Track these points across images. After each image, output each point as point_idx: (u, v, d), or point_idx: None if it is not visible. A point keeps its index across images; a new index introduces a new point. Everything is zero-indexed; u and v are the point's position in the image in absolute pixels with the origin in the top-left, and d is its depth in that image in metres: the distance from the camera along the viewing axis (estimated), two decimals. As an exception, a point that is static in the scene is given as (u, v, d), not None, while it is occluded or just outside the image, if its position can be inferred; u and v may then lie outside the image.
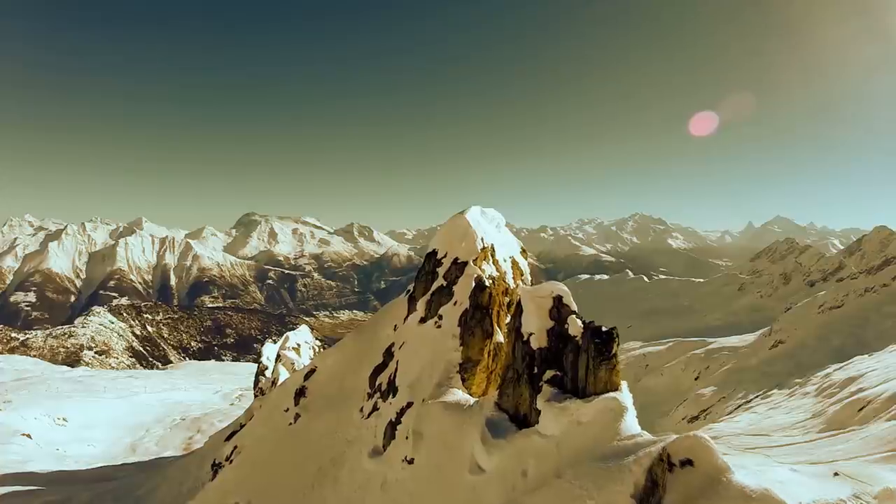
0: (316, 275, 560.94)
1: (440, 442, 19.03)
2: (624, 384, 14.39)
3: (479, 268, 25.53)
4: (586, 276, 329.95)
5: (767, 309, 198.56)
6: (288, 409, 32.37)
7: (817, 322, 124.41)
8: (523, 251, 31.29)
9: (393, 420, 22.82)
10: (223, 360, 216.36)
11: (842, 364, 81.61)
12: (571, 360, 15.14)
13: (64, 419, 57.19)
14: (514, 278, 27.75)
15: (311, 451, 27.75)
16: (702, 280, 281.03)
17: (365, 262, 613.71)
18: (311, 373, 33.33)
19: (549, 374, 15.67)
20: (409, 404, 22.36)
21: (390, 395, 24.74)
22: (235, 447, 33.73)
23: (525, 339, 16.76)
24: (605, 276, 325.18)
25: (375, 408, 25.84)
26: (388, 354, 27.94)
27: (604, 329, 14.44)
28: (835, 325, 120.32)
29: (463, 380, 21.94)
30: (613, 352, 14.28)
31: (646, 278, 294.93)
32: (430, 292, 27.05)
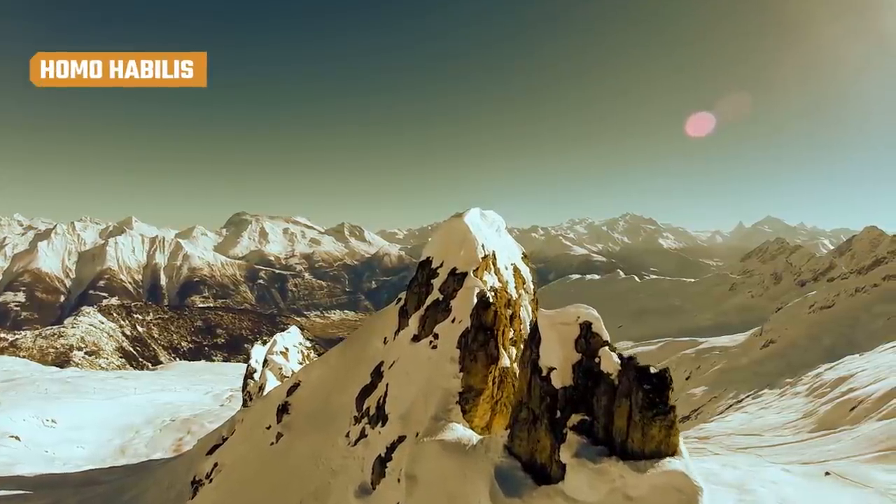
0: (307, 275, 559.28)
1: (439, 490, 16.21)
2: (682, 446, 11.52)
3: (481, 279, 22.69)
4: (577, 276, 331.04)
5: (758, 309, 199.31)
6: (270, 427, 30.76)
7: (808, 322, 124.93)
8: (524, 256, 29.04)
9: (382, 455, 20.38)
10: (214, 361, 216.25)
11: (833, 364, 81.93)
12: (605, 404, 12.31)
13: (53, 420, 56.80)
14: (516, 287, 25.25)
15: (292, 478, 25.97)
16: (692, 280, 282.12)
17: (356, 262, 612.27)
18: (294, 387, 31.74)
19: (575, 418, 12.90)
20: (401, 438, 19.92)
21: (379, 423, 22.37)
22: (216, 464, 32.41)
23: (544, 374, 13.97)
24: (596, 276, 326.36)
25: (363, 434, 23.61)
26: (377, 374, 25.42)
27: (653, 370, 11.55)
28: (826, 324, 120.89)
29: (463, 411, 19.19)
30: (670, 403, 11.30)
31: (637, 278, 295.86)
32: (425, 307, 24.26)
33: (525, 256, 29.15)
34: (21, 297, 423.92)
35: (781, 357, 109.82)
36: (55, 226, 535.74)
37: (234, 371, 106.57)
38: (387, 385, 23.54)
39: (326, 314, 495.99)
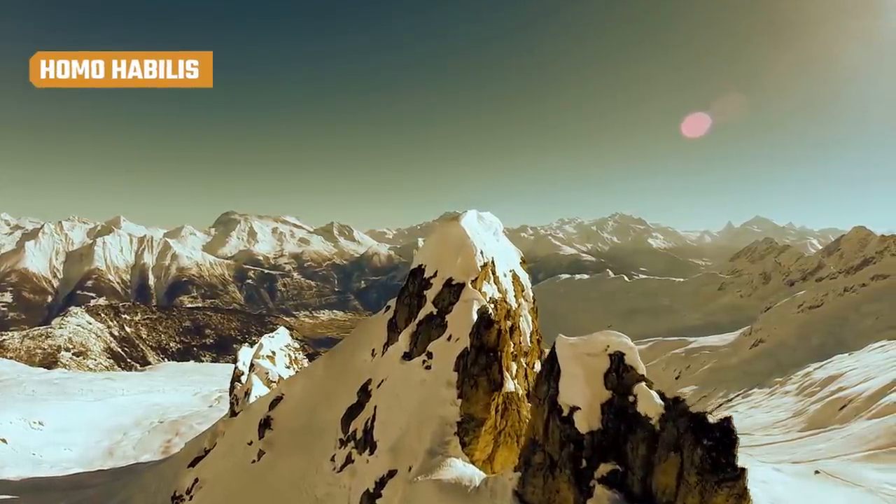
0: (296, 274, 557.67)
1: None
2: None
3: (480, 290, 20.61)
4: (567, 276, 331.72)
5: (747, 308, 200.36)
6: (252, 443, 29.13)
7: (797, 321, 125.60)
8: (523, 261, 26.82)
9: (371, 490, 18.19)
10: (202, 361, 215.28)
11: (822, 363, 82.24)
12: (643, 454, 10.32)
13: (40, 423, 56.26)
14: (515, 296, 23.15)
15: (274, 503, 24.03)
16: (682, 280, 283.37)
17: (345, 262, 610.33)
18: (277, 400, 30.08)
19: (604, 468, 10.86)
20: (392, 473, 17.68)
21: (367, 450, 20.26)
22: (196, 480, 31.19)
23: (565, 414, 11.78)
24: (586, 276, 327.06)
25: (349, 459, 21.51)
26: (364, 393, 23.22)
27: (712, 420, 9.40)
28: (814, 324, 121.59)
29: (462, 443, 17.09)
30: (740, 466, 9.11)
31: (626, 278, 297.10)
32: (417, 321, 22.02)
33: (523, 261, 27.01)
34: (8, 297, 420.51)
35: (771, 356, 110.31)
36: (42, 225, 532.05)
37: (222, 372, 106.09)
38: (374, 407, 21.40)
39: (315, 314, 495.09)
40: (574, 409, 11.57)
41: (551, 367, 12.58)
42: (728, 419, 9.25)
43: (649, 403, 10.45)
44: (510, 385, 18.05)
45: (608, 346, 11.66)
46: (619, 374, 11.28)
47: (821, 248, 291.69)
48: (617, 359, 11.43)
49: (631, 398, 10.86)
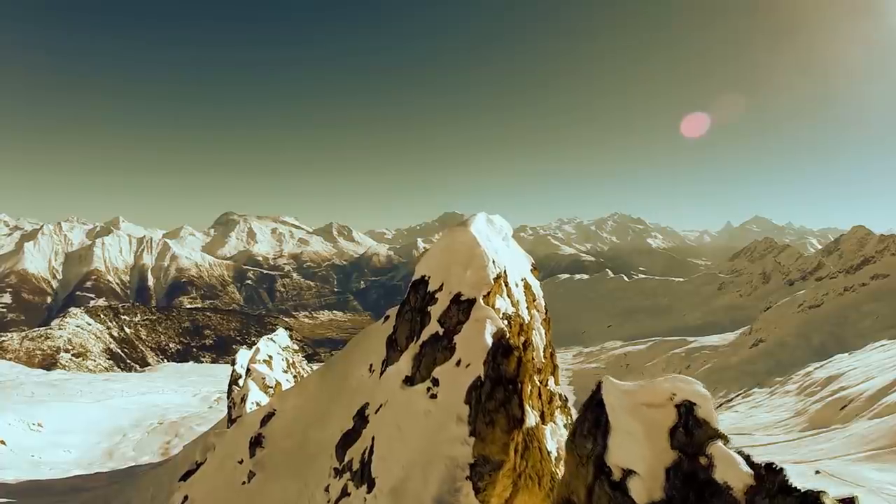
0: (295, 275, 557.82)
1: None
2: None
3: (493, 306, 17.87)
4: (566, 276, 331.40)
5: (747, 308, 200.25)
6: (242, 461, 27.01)
7: (797, 321, 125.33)
8: (534, 267, 24.28)
9: None
10: (202, 362, 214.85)
11: (822, 362, 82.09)
12: None
13: (39, 424, 56.10)
14: (527, 307, 20.48)
15: None
16: (681, 279, 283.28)
17: (344, 262, 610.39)
18: (268, 417, 28.24)
19: None
20: None
21: (364, 485, 17.75)
22: (186, 497, 29.38)
23: (618, 480, 9.29)
24: (585, 276, 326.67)
25: (345, 492, 18.97)
26: (361, 418, 20.57)
27: (828, 502, 7.43)
28: (814, 323, 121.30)
29: (476, 489, 14.50)
30: None
31: (625, 278, 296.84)
32: (420, 342, 18.93)
33: (534, 267, 24.40)
34: (7, 298, 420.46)
35: (770, 356, 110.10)
36: (42, 226, 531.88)
37: (222, 372, 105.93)
38: (372, 438, 18.67)
39: (315, 314, 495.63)
40: (629, 472, 9.25)
41: (597, 420, 10.25)
42: (853, 500, 7.61)
43: (731, 470, 8.42)
44: (531, 419, 15.62)
45: (674, 395, 9.51)
46: (689, 431, 9.12)
47: (820, 247, 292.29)
48: (685, 410, 9.29)
49: (704, 460, 8.74)
